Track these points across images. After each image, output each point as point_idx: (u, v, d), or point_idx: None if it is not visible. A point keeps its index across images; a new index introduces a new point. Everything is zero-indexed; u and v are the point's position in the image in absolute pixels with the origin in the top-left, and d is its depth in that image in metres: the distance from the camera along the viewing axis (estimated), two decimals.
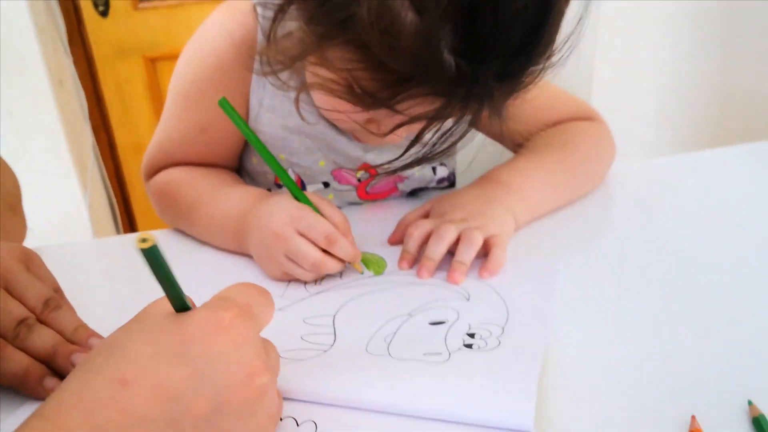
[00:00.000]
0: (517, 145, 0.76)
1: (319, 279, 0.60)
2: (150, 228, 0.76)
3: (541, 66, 0.52)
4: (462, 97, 0.50)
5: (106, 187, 1.91)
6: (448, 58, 0.47)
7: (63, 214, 1.73)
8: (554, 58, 0.53)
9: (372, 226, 0.69)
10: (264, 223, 0.59)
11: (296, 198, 0.59)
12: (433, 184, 0.79)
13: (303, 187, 0.75)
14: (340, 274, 0.60)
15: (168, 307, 0.37)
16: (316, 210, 0.59)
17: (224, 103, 0.55)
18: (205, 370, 0.34)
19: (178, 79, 0.71)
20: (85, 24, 1.81)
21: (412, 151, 0.58)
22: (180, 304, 0.36)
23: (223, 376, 0.34)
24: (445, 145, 0.57)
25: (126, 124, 1.93)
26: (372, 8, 0.46)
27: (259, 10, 0.61)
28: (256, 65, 0.66)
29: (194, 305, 0.38)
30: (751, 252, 0.61)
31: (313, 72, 0.55)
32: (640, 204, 0.74)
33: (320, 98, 0.60)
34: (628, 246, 0.64)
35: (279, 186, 0.76)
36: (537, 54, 0.50)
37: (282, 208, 0.59)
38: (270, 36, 0.58)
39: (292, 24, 0.55)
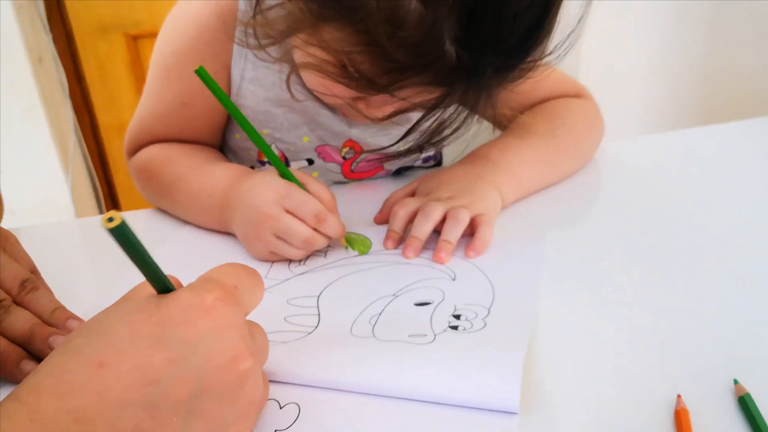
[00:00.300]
0: (507, 122, 0.76)
1: (305, 258, 0.59)
2: (133, 208, 0.75)
3: (537, 59, 0.52)
4: (460, 88, 0.50)
5: (88, 168, 1.88)
6: (450, 48, 0.47)
7: (45, 195, 1.70)
8: (553, 55, 0.54)
9: (357, 205, 0.68)
10: (249, 201, 0.58)
11: (282, 175, 0.58)
12: (419, 163, 0.78)
13: (287, 163, 0.74)
14: (325, 253, 0.59)
15: (151, 289, 0.35)
16: (302, 187, 0.58)
17: (202, 72, 0.53)
18: (185, 354, 0.33)
19: (159, 51, 0.70)
20: (64, 1, 1.78)
21: (408, 138, 0.57)
22: (160, 285, 0.35)
23: (204, 360, 0.33)
24: (442, 135, 0.57)
25: (108, 104, 1.90)
26: None
27: None
28: (238, 35, 0.65)
29: (180, 286, 0.37)
30: (738, 230, 0.61)
31: (304, 49, 0.54)
32: (627, 182, 0.73)
33: (308, 76, 0.59)
34: (615, 225, 0.64)
35: (262, 163, 0.75)
36: (535, 48, 0.50)
37: (268, 185, 0.58)
38: (256, 6, 0.57)
39: None
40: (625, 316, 0.50)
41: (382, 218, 0.65)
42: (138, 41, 1.85)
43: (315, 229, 0.57)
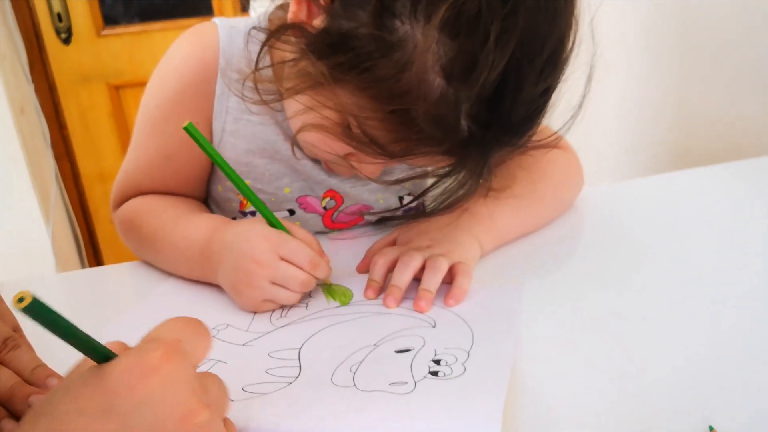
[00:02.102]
0: None
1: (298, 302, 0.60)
2: (115, 258, 0.75)
3: (534, 135, 0.56)
4: (468, 160, 0.53)
5: (69, 217, 1.88)
6: (464, 123, 0.50)
7: (25, 245, 1.69)
8: (554, 136, 0.60)
9: (338, 255, 0.68)
10: (239, 250, 0.58)
11: (270, 222, 0.59)
12: (399, 213, 0.79)
13: None
14: (306, 304, 0.60)
15: (92, 361, 0.34)
16: (289, 234, 0.59)
17: (190, 128, 0.54)
18: (134, 420, 0.32)
19: (144, 105, 0.71)
20: (47, 51, 1.80)
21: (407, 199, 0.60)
22: (98, 355, 0.34)
23: (154, 422, 0.32)
24: (447, 203, 0.60)
25: (90, 153, 1.91)
26: (400, 65, 0.48)
27: (252, 33, 0.63)
28: (218, 89, 0.67)
29: (126, 349, 0.36)
30: (715, 274, 0.63)
31: (313, 107, 0.55)
32: (604, 227, 0.75)
33: (309, 135, 0.60)
34: (593, 269, 0.65)
35: (244, 214, 0.76)
36: (535, 125, 0.54)
37: (258, 234, 0.58)
38: (258, 61, 0.59)
39: (286, 54, 0.56)
40: (602, 360, 0.51)
41: (364, 267, 0.66)
42: (120, 91, 1.87)
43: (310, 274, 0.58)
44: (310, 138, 0.61)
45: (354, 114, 0.52)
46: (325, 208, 0.75)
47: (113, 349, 0.35)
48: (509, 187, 0.71)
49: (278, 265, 0.57)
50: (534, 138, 0.56)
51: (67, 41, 1.79)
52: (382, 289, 0.62)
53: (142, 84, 1.98)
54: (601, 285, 0.62)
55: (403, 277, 0.60)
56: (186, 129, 0.54)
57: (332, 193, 0.74)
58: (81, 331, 0.33)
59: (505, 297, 0.60)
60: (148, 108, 0.70)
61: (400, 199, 0.78)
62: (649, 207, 0.79)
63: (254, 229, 0.59)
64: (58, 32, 1.78)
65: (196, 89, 0.68)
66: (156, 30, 1.85)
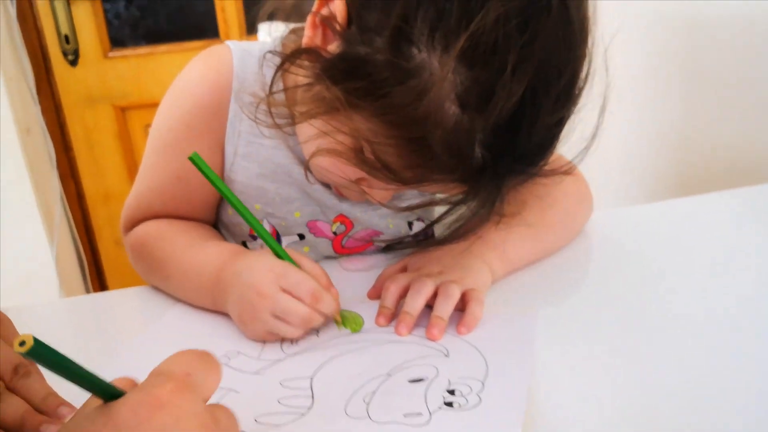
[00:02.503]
0: None
1: (301, 337, 0.59)
2: (119, 279, 0.75)
3: (546, 165, 0.56)
4: (481, 189, 0.53)
5: (73, 237, 1.88)
6: (479, 152, 0.50)
7: (29, 265, 1.69)
8: (567, 167, 0.60)
9: (349, 281, 0.68)
10: (244, 281, 0.58)
11: (276, 254, 0.59)
12: (409, 239, 0.79)
13: (278, 239, 0.75)
14: (317, 332, 0.59)
15: (99, 400, 0.34)
16: (297, 266, 0.58)
17: (196, 158, 0.54)
18: None
19: (156, 128, 0.71)
20: (54, 73, 1.81)
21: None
22: (105, 393, 0.33)
23: None
24: (459, 230, 0.62)
25: (94, 173, 1.91)
26: (416, 93, 0.48)
27: (267, 56, 0.62)
28: (231, 112, 0.67)
29: (135, 385, 0.36)
30: (727, 299, 0.62)
31: (326, 131, 0.55)
32: (612, 252, 0.75)
33: (322, 159, 0.60)
34: (603, 295, 0.65)
35: (254, 238, 0.76)
36: (548, 155, 0.54)
37: (263, 265, 0.58)
38: (272, 84, 0.59)
39: (300, 78, 0.56)
40: (618, 388, 0.50)
41: (375, 293, 0.65)
42: (126, 112, 1.88)
43: (312, 307, 0.57)
44: (323, 162, 0.60)
45: (368, 139, 0.52)
46: (335, 232, 0.75)
47: (121, 386, 0.34)
48: (520, 214, 0.71)
49: (279, 297, 0.56)
50: (547, 166, 0.56)
51: (74, 63, 1.81)
52: (393, 315, 0.61)
53: (147, 106, 2.00)
54: (611, 311, 0.62)
55: (415, 304, 0.60)
56: (191, 159, 0.54)
57: (342, 218, 0.73)
58: (86, 371, 0.32)
59: (518, 325, 0.59)
60: (160, 130, 0.70)
61: (410, 224, 0.77)
62: (656, 232, 0.79)
63: (260, 260, 0.59)
64: (65, 54, 1.79)
65: (209, 112, 0.68)
66: (162, 52, 1.86)
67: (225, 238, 0.77)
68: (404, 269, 0.68)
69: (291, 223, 0.73)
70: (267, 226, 0.73)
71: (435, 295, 0.60)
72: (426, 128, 0.49)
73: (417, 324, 0.59)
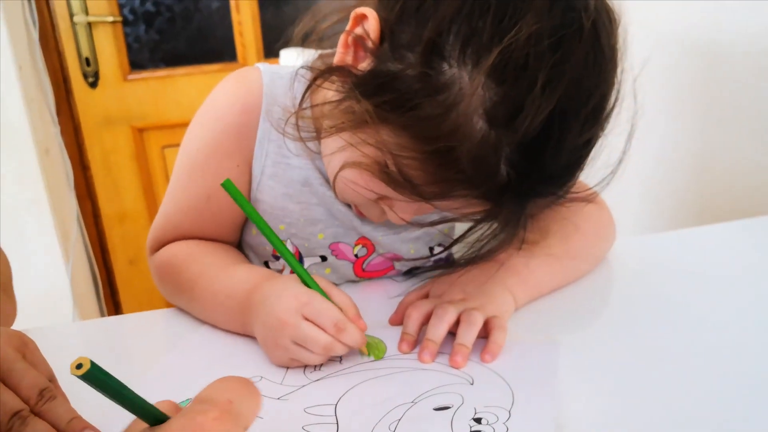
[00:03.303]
0: None
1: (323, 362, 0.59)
2: (133, 299, 0.75)
3: (572, 188, 0.56)
4: (504, 207, 0.53)
5: (88, 257, 1.89)
6: (504, 169, 0.50)
7: (44, 284, 1.70)
8: (593, 189, 0.60)
9: (371, 306, 0.68)
10: (270, 307, 0.58)
11: (305, 282, 0.59)
12: (430, 263, 0.79)
13: (300, 260, 0.75)
14: (340, 358, 0.59)
15: (144, 423, 0.34)
16: (325, 295, 0.58)
17: (228, 185, 0.55)
18: None
19: (184, 150, 0.71)
20: (73, 94, 1.83)
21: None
22: (150, 417, 0.34)
23: None
24: (482, 252, 0.61)
25: (111, 194, 1.93)
26: (445, 106, 0.48)
27: (300, 72, 0.63)
28: (260, 133, 0.68)
29: (177, 408, 0.36)
30: (750, 329, 0.62)
31: (354, 145, 0.55)
32: (633, 280, 0.74)
33: (347, 171, 0.60)
34: (624, 323, 0.64)
35: (277, 258, 0.76)
36: (574, 178, 0.54)
37: (289, 292, 0.58)
38: (303, 99, 0.60)
39: (329, 93, 0.57)
40: (642, 413, 0.50)
41: (398, 320, 0.65)
42: (144, 133, 1.90)
43: (334, 337, 0.56)
44: (348, 175, 0.60)
45: (394, 153, 0.52)
46: (356, 255, 0.75)
47: (164, 409, 0.35)
48: (543, 241, 0.71)
49: (300, 324, 0.56)
50: (570, 192, 0.56)
51: (93, 85, 1.83)
52: (416, 342, 0.61)
53: (165, 127, 2.02)
54: (632, 339, 0.61)
55: (438, 331, 0.59)
56: (224, 186, 0.54)
57: (364, 241, 0.73)
58: (135, 394, 0.33)
59: (542, 354, 0.59)
60: (189, 150, 0.71)
61: (431, 250, 0.77)
62: (677, 261, 0.79)
63: (287, 287, 0.59)
64: (85, 76, 1.81)
65: (239, 132, 0.68)
66: (180, 75, 1.88)
67: (249, 258, 0.77)
68: (426, 295, 0.67)
69: (314, 245, 0.73)
70: (290, 247, 0.73)
71: (458, 322, 0.60)
72: (453, 142, 0.49)
73: (440, 351, 0.59)
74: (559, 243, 0.71)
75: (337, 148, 0.58)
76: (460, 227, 0.79)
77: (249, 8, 1.90)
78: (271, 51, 1.92)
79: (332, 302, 0.58)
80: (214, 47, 1.94)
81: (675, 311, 0.66)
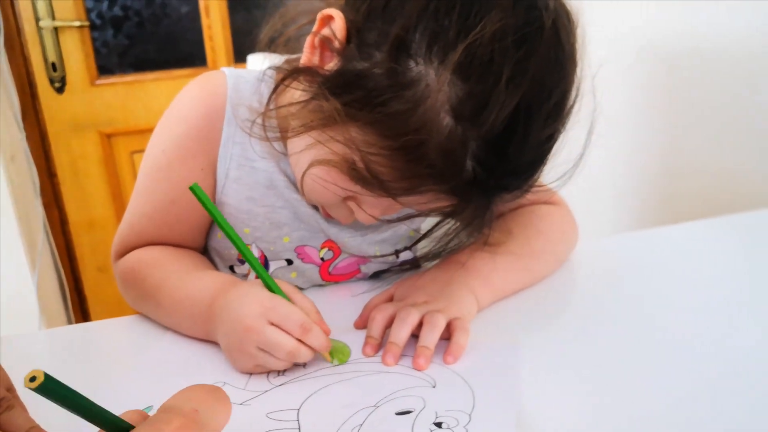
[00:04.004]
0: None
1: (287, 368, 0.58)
2: (101, 308, 0.74)
3: (536, 182, 0.57)
4: (471, 202, 0.54)
5: (55, 265, 1.86)
6: (470, 164, 0.51)
7: (10, 292, 1.67)
8: (556, 183, 0.61)
9: (335, 309, 0.68)
10: (234, 313, 0.58)
11: (268, 287, 0.58)
12: (396, 265, 0.79)
13: (266, 264, 0.75)
14: (304, 363, 0.59)
15: None
16: (288, 299, 0.58)
17: (196, 189, 0.54)
18: None
19: (149, 153, 0.71)
20: (40, 100, 1.81)
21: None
22: (112, 428, 0.33)
23: None
24: (447, 248, 0.62)
25: (79, 201, 1.90)
26: (412, 102, 0.49)
27: (268, 72, 0.64)
28: (224, 135, 0.68)
29: (144, 417, 0.36)
30: (713, 327, 0.63)
31: (323, 143, 0.56)
32: (596, 281, 0.75)
33: (316, 169, 0.60)
34: (588, 323, 0.65)
35: (242, 262, 0.76)
36: (538, 173, 0.55)
37: (253, 298, 0.58)
38: (270, 99, 0.61)
39: (296, 94, 0.58)
40: (604, 418, 0.50)
41: (362, 323, 0.65)
42: (112, 139, 1.88)
43: (300, 341, 0.56)
44: (316, 172, 0.60)
45: (362, 150, 0.53)
46: (322, 258, 0.75)
47: (131, 419, 0.34)
48: (505, 243, 0.72)
49: (265, 329, 0.55)
50: (533, 190, 0.57)
51: (60, 90, 1.81)
52: (380, 345, 0.61)
53: (134, 132, 1.99)
54: (597, 339, 0.62)
55: (400, 333, 0.60)
56: (192, 189, 0.54)
57: (330, 244, 0.74)
58: (95, 405, 0.32)
59: (504, 355, 0.59)
60: (154, 154, 0.70)
61: (397, 253, 0.78)
62: (642, 260, 0.80)
63: (251, 293, 0.58)
64: (52, 81, 1.79)
65: (203, 135, 0.68)
66: (149, 80, 1.86)
67: (214, 262, 0.77)
68: (390, 298, 0.68)
69: (279, 248, 0.73)
70: (255, 251, 0.73)
71: (421, 325, 0.61)
72: (420, 137, 0.50)
73: (403, 354, 0.59)
74: (521, 245, 0.72)
75: (305, 146, 0.59)
76: (427, 228, 0.80)
77: (219, 12, 1.89)
78: (241, 55, 1.91)
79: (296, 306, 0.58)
80: (183, 52, 1.93)
81: (639, 311, 0.67)
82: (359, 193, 0.58)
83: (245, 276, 0.76)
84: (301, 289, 0.73)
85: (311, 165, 0.59)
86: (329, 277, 0.77)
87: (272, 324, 0.56)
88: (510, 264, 0.71)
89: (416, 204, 0.57)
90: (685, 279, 0.74)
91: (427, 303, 0.63)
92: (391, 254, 0.77)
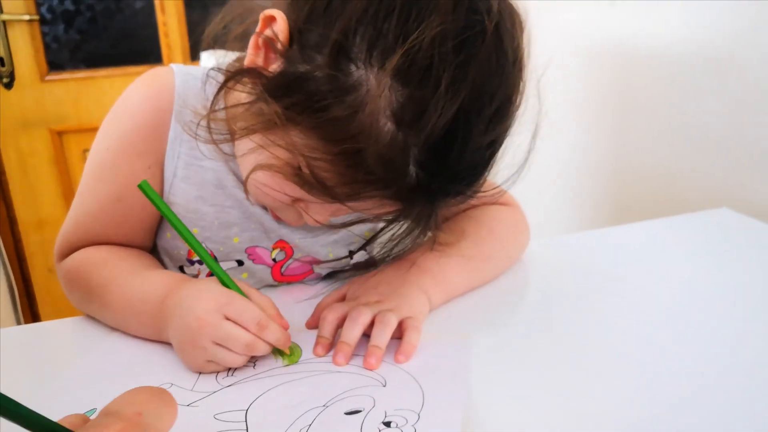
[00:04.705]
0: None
1: (240, 366, 0.58)
2: (51, 308, 0.72)
3: (482, 187, 0.57)
4: (415, 207, 0.54)
5: (4, 265, 1.81)
6: (413, 169, 0.51)
7: None
8: (502, 186, 0.61)
9: (286, 310, 0.67)
10: (188, 308, 0.57)
11: (224, 283, 0.58)
12: (349, 266, 0.79)
13: None
14: (254, 363, 0.59)
15: None
16: (245, 295, 0.57)
17: (145, 186, 0.53)
18: None
19: (95, 150, 0.69)
20: None
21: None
22: None
23: None
24: (395, 251, 0.62)
25: (28, 199, 1.85)
26: (353, 107, 0.49)
27: (211, 74, 0.62)
28: (172, 133, 0.67)
29: (85, 421, 0.35)
30: (662, 326, 0.64)
31: (266, 148, 0.55)
32: (548, 280, 0.76)
33: (260, 174, 0.59)
34: (539, 322, 0.66)
35: (192, 262, 0.75)
36: (482, 177, 0.55)
37: (208, 293, 0.57)
38: (213, 102, 0.59)
39: (242, 95, 0.56)
40: (554, 416, 0.51)
41: (314, 323, 0.65)
42: (63, 137, 1.83)
43: (256, 335, 0.56)
44: (260, 178, 0.59)
45: (304, 154, 0.52)
46: (274, 259, 0.74)
47: (71, 423, 0.33)
48: (457, 243, 0.72)
49: (221, 324, 0.55)
50: (480, 191, 0.57)
51: (8, 86, 1.75)
52: (331, 345, 0.61)
53: (86, 130, 1.95)
54: (547, 338, 0.63)
55: (352, 333, 0.59)
56: (140, 187, 0.53)
57: (282, 244, 0.73)
58: (30, 410, 0.31)
59: (454, 353, 0.60)
60: (99, 151, 0.69)
61: (351, 253, 0.77)
62: (592, 260, 0.81)
63: (206, 288, 0.58)
64: (0, 76, 1.74)
65: (150, 132, 0.67)
66: (102, 76, 1.82)
67: (163, 263, 0.76)
68: (342, 298, 0.68)
69: (230, 249, 0.72)
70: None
71: (372, 324, 0.61)
72: (361, 143, 0.49)
73: (355, 354, 0.59)
74: (473, 245, 0.73)
75: (249, 150, 0.58)
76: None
77: (174, 8, 1.86)
78: (198, 52, 1.89)
79: (252, 302, 0.57)
80: (138, 48, 1.90)
81: (590, 311, 0.68)
82: (304, 198, 0.57)
83: (195, 276, 0.75)
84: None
85: (254, 169, 0.58)
86: (282, 277, 0.76)
87: (228, 319, 0.55)
88: (461, 264, 0.71)
89: (362, 209, 0.56)
90: (635, 278, 0.76)
91: (380, 302, 0.63)
92: (344, 257, 0.77)
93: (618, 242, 0.88)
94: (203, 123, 0.61)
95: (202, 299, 0.57)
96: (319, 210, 0.60)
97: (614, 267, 0.79)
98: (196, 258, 0.74)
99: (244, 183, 0.62)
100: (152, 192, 0.53)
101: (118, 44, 1.88)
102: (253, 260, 0.74)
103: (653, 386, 0.55)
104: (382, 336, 0.59)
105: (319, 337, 0.61)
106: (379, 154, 0.50)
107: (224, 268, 0.72)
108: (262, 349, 0.56)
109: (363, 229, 0.76)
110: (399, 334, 0.61)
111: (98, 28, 1.85)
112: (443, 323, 0.66)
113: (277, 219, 0.69)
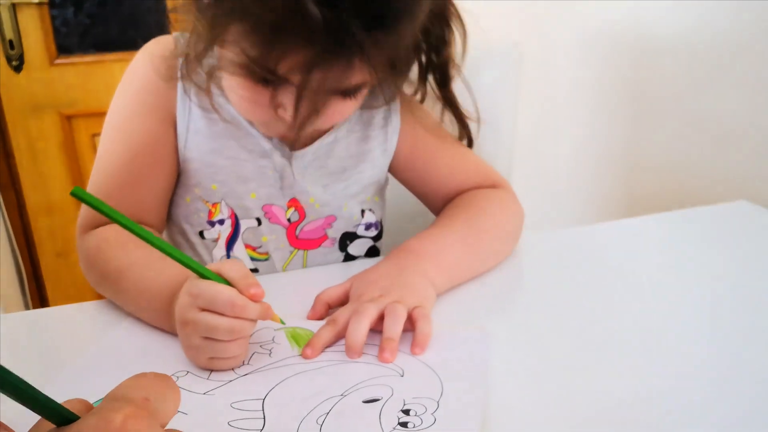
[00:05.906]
0: (436, 207, 0.82)
1: (246, 356, 0.57)
2: (60, 292, 0.72)
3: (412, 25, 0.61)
4: (333, 47, 0.55)
5: (12, 249, 1.81)
6: (313, 8, 0.52)
7: None
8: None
9: (297, 298, 0.67)
10: (176, 313, 0.56)
11: (198, 273, 0.54)
12: (362, 231, 0.81)
13: (237, 223, 0.75)
14: (270, 351, 0.58)
15: (50, 424, 0.32)
16: (219, 278, 0.54)
17: (78, 192, 0.48)
18: None
19: (109, 115, 0.72)
20: None
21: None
22: (57, 417, 0.31)
23: None
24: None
25: (37, 183, 1.85)
26: None
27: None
28: (180, 89, 0.71)
29: (90, 407, 0.34)
30: (671, 318, 0.64)
31: (221, 56, 0.61)
32: (561, 272, 0.76)
33: (232, 96, 0.66)
34: (553, 313, 0.66)
35: (212, 224, 0.75)
36: (402, 9, 0.57)
37: (184, 291, 0.55)
38: (188, 43, 0.65)
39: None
40: (568, 403, 0.51)
41: (315, 315, 0.64)
42: (72, 121, 1.83)
43: (235, 317, 0.53)
44: (232, 89, 0.65)
45: (240, 42, 0.57)
46: (289, 220, 0.76)
47: (74, 409, 0.33)
48: (449, 225, 0.73)
49: (199, 318, 0.53)
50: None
51: (18, 69, 1.75)
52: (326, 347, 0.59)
53: (95, 114, 1.94)
54: (560, 330, 0.62)
55: (358, 332, 0.57)
56: (73, 194, 0.48)
57: (295, 203, 0.75)
58: (39, 392, 0.30)
59: (471, 343, 0.59)
60: (111, 115, 0.72)
61: (362, 212, 0.79)
62: (604, 252, 0.81)
63: (185, 286, 0.56)
64: (9, 59, 1.73)
65: (158, 87, 0.70)
66: (111, 60, 1.82)
67: (183, 230, 0.77)
68: (344, 292, 0.66)
69: (248, 206, 0.74)
70: (225, 210, 0.74)
71: (380, 319, 0.59)
72: (260, 9, 0.54)
73: (370, 343, 0.58)
74: (465, 226, 0.73)
75: (217, 67, 0.64)
76: (390, 194, 0.84)
77: None
78: None
79: (224, 281, 0.54)
80: (146, 33, 1.88)
81: (603, 303, 0.68)
82: (262, 94, 0.61)
83: (215, 240, 0.76)
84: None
85: (226, 87, 0.64)
86: (297, 241, 0.77)
87: (204, 310, 0.53)
88: (457, 243, 0.71)
89: (316, 85, 0.58)
90: (646, 271, 0.75)
91: (383, 297, 0.61)
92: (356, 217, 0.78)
93: (633, 234, 0.87)
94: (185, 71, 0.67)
95: (180, 299, 0.55)
96: (288, 107, 0.61)
97: (629, 259, 0.78)
98: (216, 218, 0.75)
99: (206, 89, 0.67)
100: (86, 195, 0.49)
101: (126, 29, 1.87)
102: (269, 219, 0.75)
103: (670, 379, 0.54)
104: (394, 328, 0.58)
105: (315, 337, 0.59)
106: (275, 6, 0.53)
107: (245, 227, 0.75)
108: (248, 328, 0.54)
109: (372, 176, 0.79)
110: (409, 326, 0.60)
111: (107, 12, 1.84)
112: (452, 314, 0.65)
113: (267, 135, 0.72)
